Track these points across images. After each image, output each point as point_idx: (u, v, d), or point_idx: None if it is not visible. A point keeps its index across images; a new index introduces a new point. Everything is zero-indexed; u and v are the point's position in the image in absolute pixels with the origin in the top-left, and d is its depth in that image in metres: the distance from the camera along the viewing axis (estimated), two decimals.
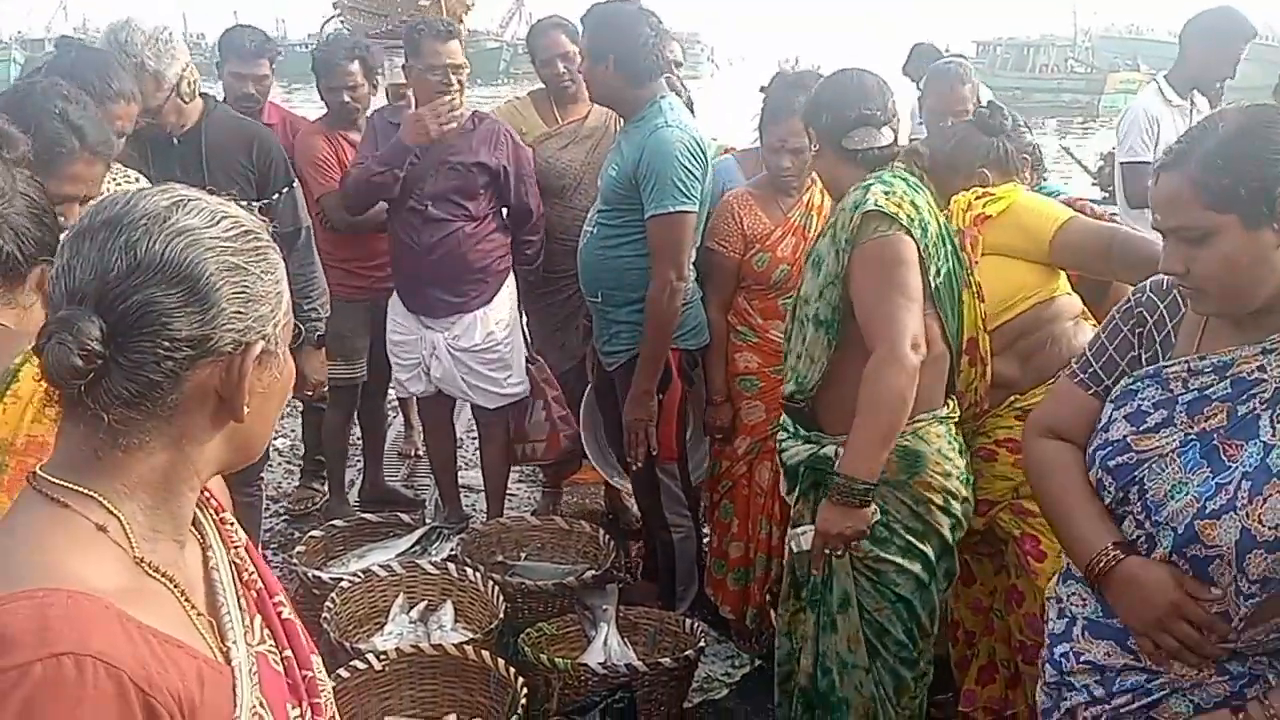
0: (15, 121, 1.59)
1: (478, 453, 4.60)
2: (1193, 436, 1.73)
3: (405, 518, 4.17)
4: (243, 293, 1.03)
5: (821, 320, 2.58)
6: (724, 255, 3.47)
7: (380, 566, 3.64)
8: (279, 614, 1.17)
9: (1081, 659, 1.87)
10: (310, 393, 3.78)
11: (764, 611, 3.51)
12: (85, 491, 1.00)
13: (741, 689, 3.45)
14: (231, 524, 1.19)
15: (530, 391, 4.12)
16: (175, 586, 1.04)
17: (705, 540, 3.85)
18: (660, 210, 3.29)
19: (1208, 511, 1.67)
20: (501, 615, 3.33)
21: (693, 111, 3.77)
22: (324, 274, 3.74)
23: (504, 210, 3.99)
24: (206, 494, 1.16)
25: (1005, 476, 2.80)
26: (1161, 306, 1.86)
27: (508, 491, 4.45)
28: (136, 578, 1.00)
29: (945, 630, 3.20)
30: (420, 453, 5.12)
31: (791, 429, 2.74)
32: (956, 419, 2.67)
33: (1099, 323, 2.06)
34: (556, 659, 3.15)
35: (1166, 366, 1.78)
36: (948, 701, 3.22)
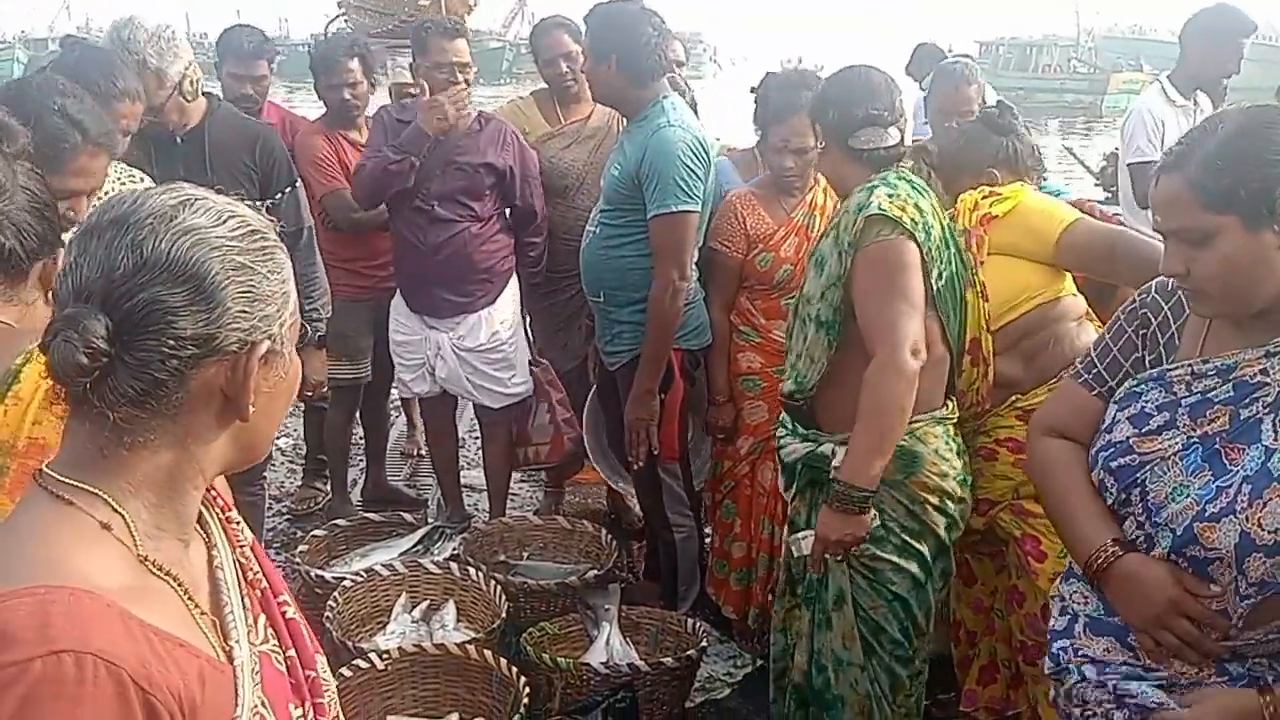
0: (14, 119, 1.59)
1: (480, 452, 4.60)
2: (1195, 439, 1.72)
3: (408, 517, 4.16)
4: (248, 292, 1.03)
5: (823, 321, 2.58)
6: (727, 255, 3.47)
7: (383, 566, 3.64)
8: (283, 613, 1.17)
9: (1079, 653, 1.87)
10: (311, 393, 3.79)
11: (766, 611, 3.50)
12: (90, 489, 1.00)
13: (743, 689, 3.45)
14: (238, 523, 1.19)
15: (534, 394, 4.12)
16: (179, 585, 1.04)
17: (707, 540, 3.85)
18: (663, 210, 3.29)
19: (1207, 514, 1.67)
20: (504, 615, 3.33)
21: (696, 111, 3.77)
22: (326, 274, 3.74)
23: (508, 211, 3.99)
24: (213, 493, 1.17)
25: (1006, 476, 2.80)
26: (1166, 308, 1.86)
27: (510, 491, 4.46)
28: (140, 576, 1.00)
29: (948, 629, 3.20)
30: (423, 452, 5.12)
31: (790, 426, 2.74)
32: (955, 420, 2.67)
33: (1104, 324, 2.06)
34: (559, 658, 3.15)
35: (1170, 369, 1.78)
36: (950, 701, 3.22)
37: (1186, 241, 1.68)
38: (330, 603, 3.35)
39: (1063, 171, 13.06)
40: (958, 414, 2.70)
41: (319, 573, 3.62)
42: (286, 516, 4.70)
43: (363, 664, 2.99)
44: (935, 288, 2.53)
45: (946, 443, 2.61)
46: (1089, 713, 1.82)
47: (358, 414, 4.63)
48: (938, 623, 3.18)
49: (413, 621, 3.44)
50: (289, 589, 1.23)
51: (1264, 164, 1.61)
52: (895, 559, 2.58)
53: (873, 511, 2.51)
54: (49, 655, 0.88)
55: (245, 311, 1.03)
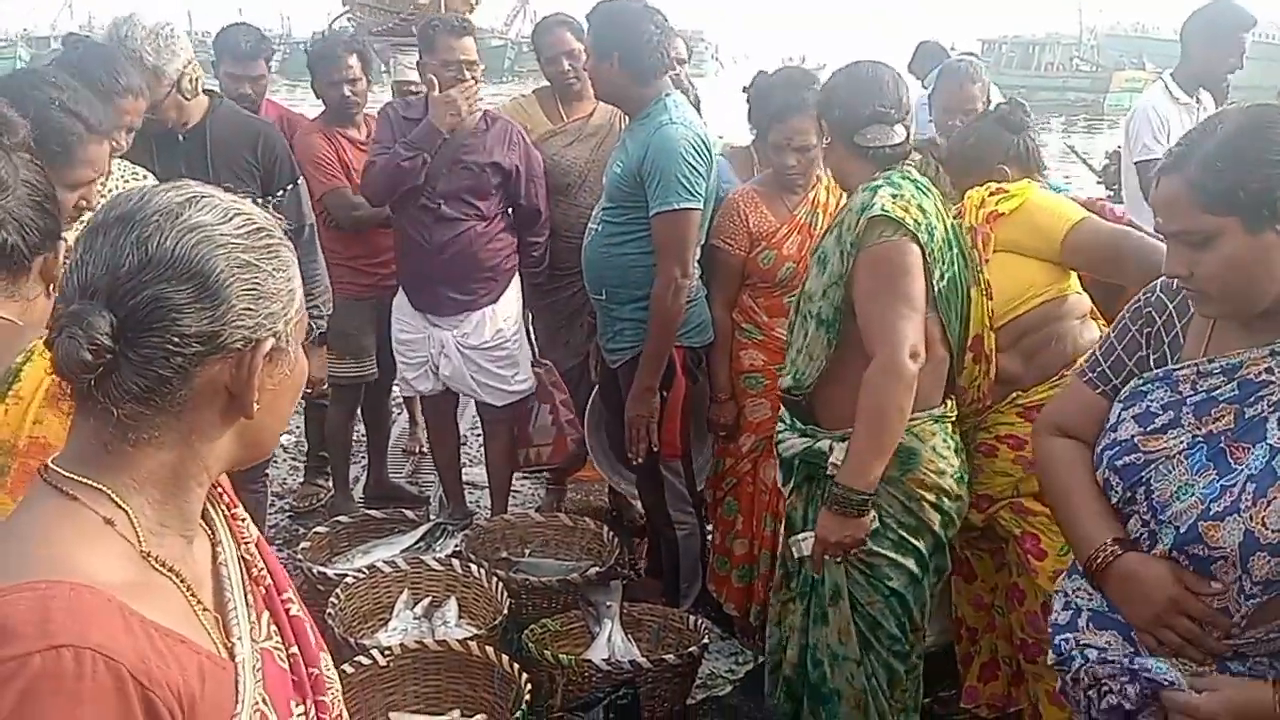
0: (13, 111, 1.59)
1: (482, 449, 4.60)
2: (1200, 438, 1.72)
3: (410, 514, 4.17)
4: (253, 290, 1.03)
5: (823, 319, 2.59)
6: (729, 253, 3.47)
7: (385, 562, 3.64)
8: (287, 610, 1.17)
9: (1082, 645, 1.86)
10: (311, 389, 3.79)
11: (768, 609, 3.51)
12: (94, 484, 1.01)
13: (745, 686, 3.45)
14: (243, 519, 1.19)
15: (537, 395, 4.12)
16: (181, 581, 1.04)
17: (709, 537, 3.86)
18: (665, 207, 3.29)
19: (1212, 513, 1.67)
20: (505, 611, 3.33)
21: (699, 109, 3.77)
22: (327, 272, 3.74)
23: (511, 210, 3.99)
24: (219, 489, 1.17)
25: (1005, 472, 2.81)
26: (1171, 307, 1.85)
27: (512, 488, 4.45)
28: (142, 572, 1.00)
29: (950, 625, 3.21)
30: (424, 449, 5.11)
31: (788, 422, 2.75)
32: (953, 418, 2.68)
33: (1111, 323, 2.06)
34: (560, 655, 3.15)
35: (1176, 368, 1.78)
36: (951, 699, 3.23)
37: (1188, 243, 1.67)
38: (332, 599, 3.36)
39: (1065, 170, 13.05)
40: (957, 412, 2.70)
41: (321, 569, 3.63)
42: (288, 513, 4.70)
43: (365, 660, 3.00)
44: (937, 289, 2.53)
45: (944, 440, 2.61)
46: (1104, 688, 1.80)
47: (359, 411, 4.64)
48: (943, 616, 3.20)
49: (415, 618, 3.44)
50: (293, 586, 1.23)
51: (1264, 164, 1.59)
52: (892, 555, 2.59)
53: (872, 514, 2.52)
54: (48, 650, 0.88)
55: (250, 309, 1.03)
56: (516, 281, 4.06)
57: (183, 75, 3.28)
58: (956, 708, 3.19)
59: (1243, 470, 1.66)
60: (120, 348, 0.98)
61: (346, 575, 3.55)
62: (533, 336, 4.41)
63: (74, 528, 0.98)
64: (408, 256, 3.97)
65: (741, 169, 3.87)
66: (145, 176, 2.88)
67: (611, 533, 3.93)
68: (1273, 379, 1.68)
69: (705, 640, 3.32)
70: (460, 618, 3.45)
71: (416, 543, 3.96)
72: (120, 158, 2.82)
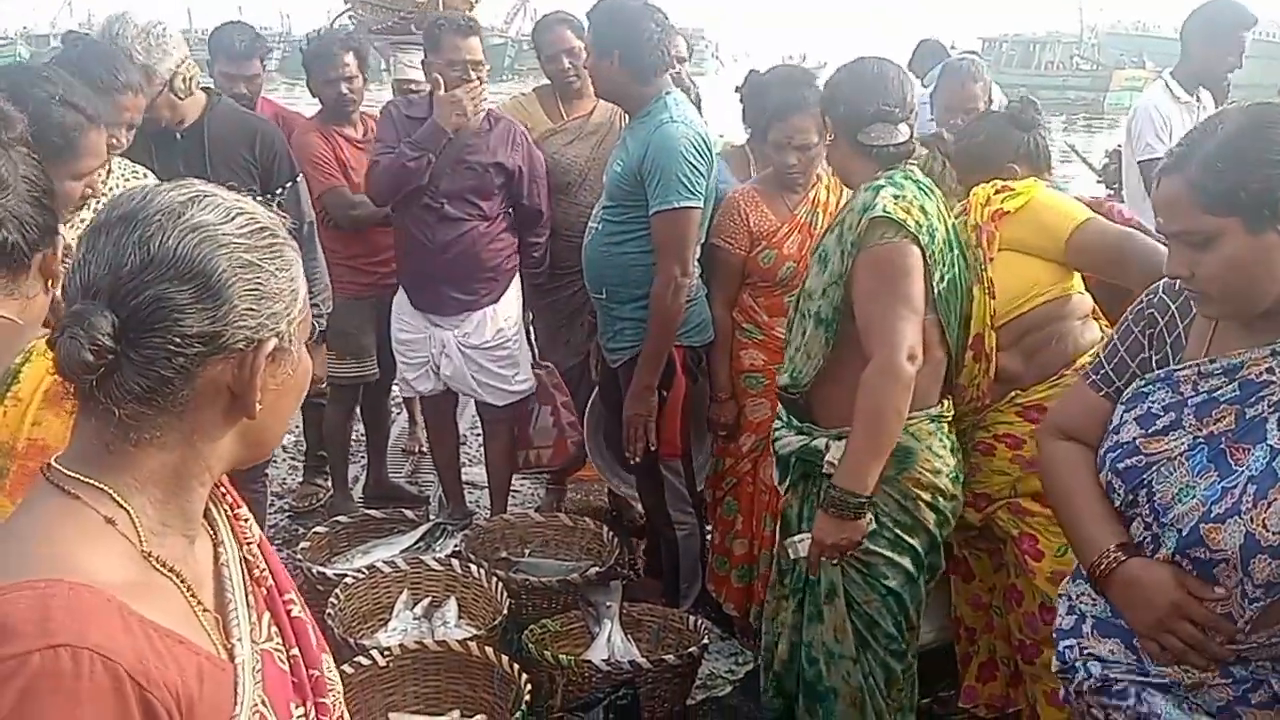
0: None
1: (481, 449, 4.60)
2: (1200, 440, 1.71)
3: (409, 514, 4.16)
4: (256, 290, 1.03)
5: (822, 318, 2.59)
6: (729, 252, 3.47)
7: (384, 563, 3.64)
8: (288, 612, 1.17)
9: (1086, 652, 1.86)
10: (310, 388, 3.77)
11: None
12: (96, 484, 1.00)
13: (745, 686, 3.45)
14: (246, 520, 1.19)
15: (537, 397, 4.12)
16: (182, 581, 1.04)
17: (709, 537, 3.85)
18: (665, 206, 3.29)
19: (1213, 515, 1.66)
20: (505, 611, 3.33)
21: (700, 108, 3.76)
22: (327, 270, 3.73)
23: (513, 209, 3.98)
24: (222, 489, 1.16)
25: (1003, 471, 2.81)
26: (1173, 307, 1.85)
27: (511, 488, 4.45)
28: (143, 571, 1.00)
29: (949, 624, 3.21)
30: (424, 449, 5.11)
31: (785, 419, 2.75)
32: (950, 418, 2.68)
33: (1114, 325, 2.06)
34: (560, 655, 3.15)
35: (1177, 369, 1.77)
36: (950, 699, 3.22)
37: (1188, 244, 1.66)
38: (332, 599, 3.35)
39: (1064, 170, 13.03)
40: (953, 411, 2.71)
41: (320, 569, 3.62)
42: (288, 513, 4.70)
43: (364, 661, 2.99)
44: (937, 290, 2.53)
45: (941, 440, 2.62)
46: (1110, 717, 1.81)
47: (359, 411, 4.63)
48: (942, 614, 3.19)
49: (414, 618, 3.44)
50: (295, 587, 1.22)
51: (1265, 165, 1.59)
52: (889, 553, 2.60)
53: (868, 516, 2.52)
54: (47, 649, 0.88)
55: (252, 309, 1.03)
56: (517, 281, 4.06)
57: (175, 74, 3.26)
58: (955, 708, 3.19)
59: (1243, 472, 1.66)
60: (122, 348, 0.98)
61: (346, 575, 3.55)
62: (532, 336, 4.41)
63: (75, 526, 0.98)
64: (410, 256, 3.96)
65: (737, 168, 3.87)
66: (146, 175, 2.88)
67: (611, 533, 3.93)
68: (1273, 379, 1.67)
69: (705, 641, 3.32)
70: (460, 618, 3.44)
71: (416, 543, 3.95)
72: (119, 156, 2.82)
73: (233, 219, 1.03)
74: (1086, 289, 2.84)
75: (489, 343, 3.97)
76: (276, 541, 4.34)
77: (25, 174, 1.21)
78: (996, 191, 2.78)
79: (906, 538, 2.60)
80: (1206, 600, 1.69)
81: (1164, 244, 1.91)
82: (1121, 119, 5.56)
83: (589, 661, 3.14)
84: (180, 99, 3.31)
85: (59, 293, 1.40)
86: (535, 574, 3.68)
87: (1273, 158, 1.59)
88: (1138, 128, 4.43)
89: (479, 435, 4.74)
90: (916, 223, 2.47)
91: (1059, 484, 1.96)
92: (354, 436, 4.79)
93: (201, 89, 3.46)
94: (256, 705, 1.03)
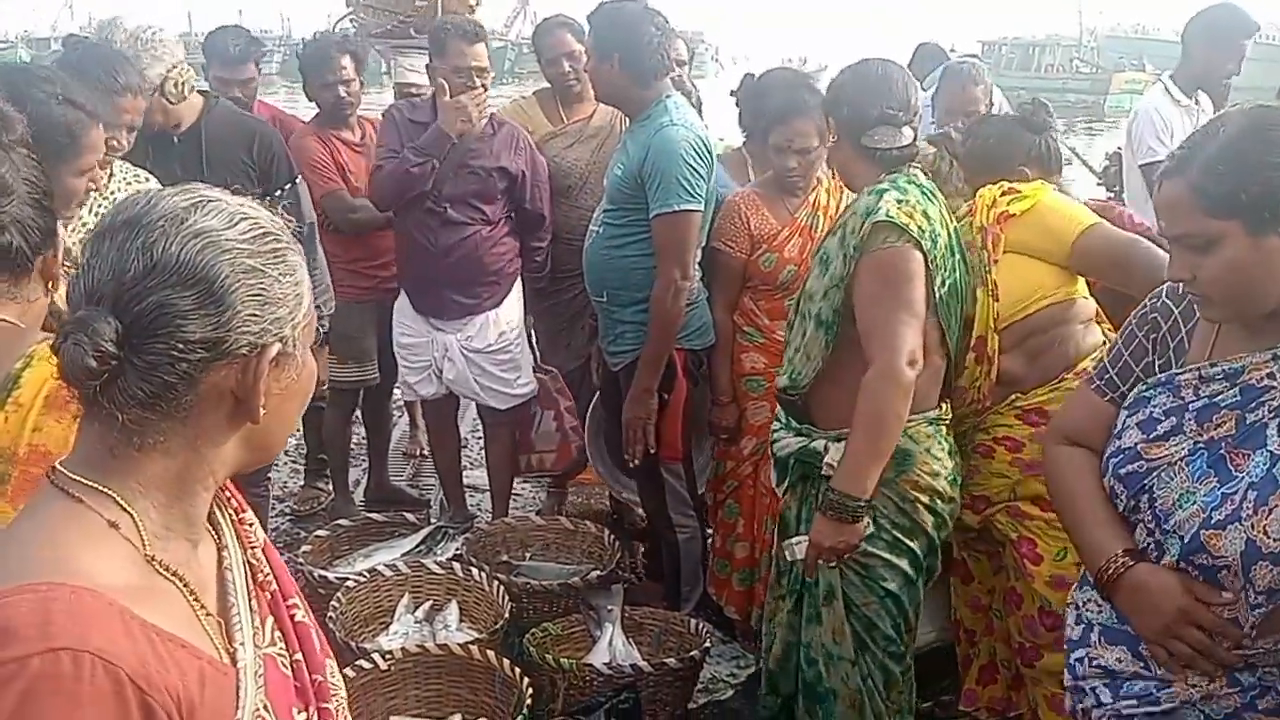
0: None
1: (482, 453, 4.60)
2: (1201, 445, 1.71)
3: (410, 517, 4.16)
4: (259, 295, 1.03)
5: (822, 320, 2.59)
6: (730, 255, 3.47)
7: (385, 566, 3.64)
8: (292, 616, 1.17)
9: (1094, 663, 1.86)
10: None
11: None
12: (99, 488, 1.01)
13: (746, 690, 3.45)
14: (251, 524, 1.19)
15: (540, 402, 4.12)
16: (185, 585, 1.04)
17: (710, 540, 3.85)
18: (665, 209, 3.29)
19: (1213, 522, 1.66)
20: (507, 615, 3.32)
21: (700, 112, 3.76)
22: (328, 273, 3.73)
23: (515, 214, 3.98)
24: (227, 493, 1.17)
25: (1002, 474, 2.80)
26: (1176, 312, 1.84)
27: (513, 491, 4.45)
28: (146, 575, 1.00)
29: (950, 624, 3.20)
30: (425, 452, 5.11)
31: (784, 421, 2.75)
32: (948, 421, 2.68)
33: (1117, 330, 2.05)
34: (561, 659, 3.15)
35: (1178, 373, 1.77)
36: (950, 702, 3.22)
37: (1190, 247, 1.66)
38: (333, 603, 3.35)
39: (1065, 171, 13.01)
40: (951, 414, 2.71)
41: (322, 573, 3.62)
42: (289, 517, 4.70)
43: (366, 664, 3.00)
44: (938, 295, 2.53)
45: (939, 443, 2.62)
46: None
47: (360, 414, 4.63)
48: (942, 615, 3.19)
49: (416, 622, 3.44)
50: (300, 591, 1.22)
51: (1266, 168, 1.58)
52: (887, 555, 2.60)
53: (866, 520, 2.53)
54: (47, 652, 0.88)
55: (255, 315, 1.02)
56: (519, 285, 4.06)
57: (166, 79, 3.25)
58: (956, 711, 3.18)
59: (1243, 478, 1.65)
60: (125, 354, 0.98)
61: (347, 579, 3.55)
62: (533, 340, 4.41)
63: (79, 530, 0.98)
64: (412, 260, 3.96)
65: (735, 171, 3.87)
66: (147, 179, 2.88)
67: (612, 536, 3.93)
68: (1274, 384, 1.67)
69: (707, 644, 3.32)
70: (461, 621, 3.44)
71: (417, 546, 3.95)
72: (122, 160, 2.82)
73: (236, 224, 1.03)
74: (1092, 294, 2.83)
75: (491, 346, 3.97)
76: (278, 545, 4.32)
77: (26, 176, 1.22)
78: (1003, 194, 2.77)
79: (905, 540, 2.60)
80: (1213, 605, 1.69)
81: (1164, 248, 1.91)
82: (1121, 122, 5.56)
83: (590, 665, 3.14)
84: (172, 103, 3.30)
85: (58, 296, 1.40)
86: (536, 577, 3.67)
87: (1274, 160, 1.58)
88: (1138, 131, 4.43)
89: (480, 439, 4.73)
90: (919, 228, 2.47)
91: (1064, 489, 1.95)
92: (355, 440, 4.78)
93: (199, 92, 3.46)
94: (258, 710, 1.03)
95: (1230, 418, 1.69)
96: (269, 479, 3.92)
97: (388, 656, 3.04)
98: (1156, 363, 1.85)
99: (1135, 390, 1.83)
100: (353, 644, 3.16)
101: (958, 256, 2.62)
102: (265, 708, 1.04)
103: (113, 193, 2.74)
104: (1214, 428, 1.70)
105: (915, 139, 2.63)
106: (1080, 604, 1.92)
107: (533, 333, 4.41)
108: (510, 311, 4.02)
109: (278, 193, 3.49)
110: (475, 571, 3.55)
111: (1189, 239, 1.66)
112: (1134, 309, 1.97)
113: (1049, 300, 2.72)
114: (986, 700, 3.12)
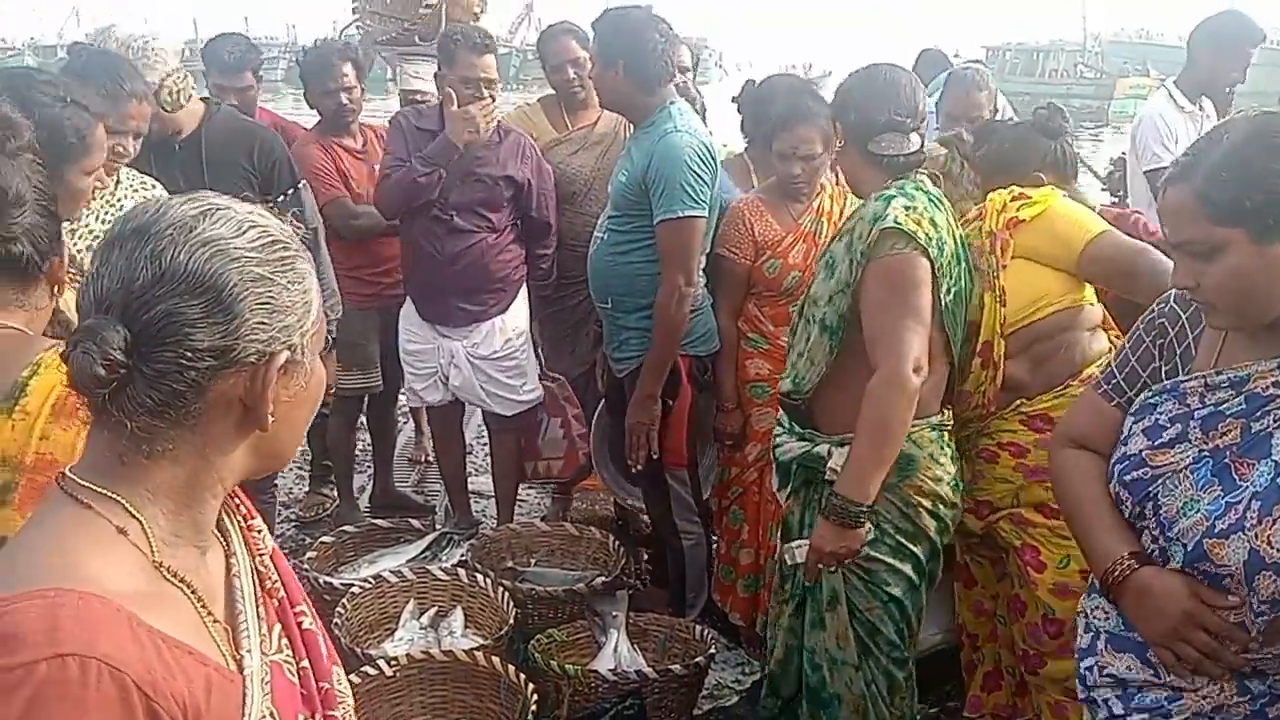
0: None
1: (488, 459, 4.60)
2: (1205, 453, 1.70)
3: (416, 523, 4.17)
4: (267, 303, 1.03)
5: (827, 325, 2.59)
6: (734, 261, 3.47)
7: (391, 572, 3.64)
8: (299, 624, 1.17)
9: (1104, 672, 1.85)
10: None
11: None
12: (109, 494, 1.01)
13: (752, 696, 3.43)
14: (260, 531, 1.19)
15: (546, 408, 4.12)
16: (192, 592, 1.04)
17: (715, 547, 3.85)
18: (669, 215, 3.29)
19: (1217, 531, 1.65)
20: (512, 621, 3.33)
21: (705, 118, 3.77)
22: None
23: (520, 221, 3.99)
24: (236, 500, 1.17)
25: (1006, 479, 2.80)
26: (1183, 318, 1.84)
27: (518, 497, 4.45)
28: (154, 582, 1.01)
29: (955, 627, 3.20)
30: (431, 459, 5.11)
31: (786, 425, 2.75)
32: (951, 426, 2.69)
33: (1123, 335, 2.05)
34: (567, 665, 3.15)
35: (1184, 380, 1.76)
36: (955, 708, 3.22)
37: (1194, 254, 1.66)
38: (339, 609, 3.36)
39: None
40: (954, 420, 2.71)
41: (327, 579, 3.63)
42: (294, 523, 4.70)
43: (371, 670, 3.00)
44: (943, 302, 2.53)
45: (941, 448, 2.63)
46: None
47: (365, 420, 4.63)
48: (946, 617, 3.19)
49: (421, 628, 3.44)
50: (308, 599, 1.22)
51: (1270, 175, 1.58)
52: (890, 560, 2.60)
53: (868, 525, 2.53)
54: (54, 658, 0.88)
55: (264, 323, 1.03)
56: (525, 292, 4.07)
57: (161, 87, 3.26)
58: (960, 717, 3.18)
59: (1247, 487, 1.64)
60: (134, 362, 0.98)
61: (352, 585, 3.55)
62: (538, 346, 4.41)
63: (87, 536, 0.99)
64: (418, 267, 3.96)
65: (737, 176, 3.87)
66: (154, 186, 2.89)
67: (617, 542, 3.93)
68: (1279, 393, 1.66)
69: (712, 650, 3.32)
70: (466, 628, 3.44)
71: (422, 552, 3.96)
72: (128, 167, 2.83)
73: (244, 233, 1.03)
74: (1100, 301, 2.83)
75: (497, 353, 3.98)
76: (283, 551, 4.33)
77: (35, 184, 1.22)
78: (1013, 199, 2.76)
79: (908, 545, 2.60)
80: (1220, 608, 1.68)
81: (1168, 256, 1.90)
82: (1126, 127, 5.55)
83: (595, 671, 3.13)
84: (167, 111, 3.31)
85: (64, 302, 1.41)
86: (541, 584, 3.68)
87: (1278, 168, 1.58)
88: (1143, 137, 4.43)
89: (485, 445, 4.74)
90: (927, 235, 2.47)
91: (1070, 493, 1.95)
92: (360, 446, 4.79)
93: (200, 99, 3.46)
94: (265, 716, 1.04)
95: (1235, 426, 1.69)
96: (275, 485, 3.92)
97: (393, 663, 3.04)
98: (1163, 369, 1.84)
99: (1141, 396, 1.83)
100: (358, 650, 3.16)
101: (964, 264, 2.62)
102: (271, 715, 1.05)
103: (120, 200, 2.75)
104: (1219, 436, 1.70)
105: (922, 145, 2.63)
106: (1089, 611, 1.92)
107: (538, 339, 4.41)
108: (516, 318, 4.02)
109: (280, 198, 3.49)
110: (480, 577, 3.55)
111: (1193, 246, 1.65)
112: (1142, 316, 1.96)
113: (1056, 306, 2.72)
114: (991, 707, 3.12)
